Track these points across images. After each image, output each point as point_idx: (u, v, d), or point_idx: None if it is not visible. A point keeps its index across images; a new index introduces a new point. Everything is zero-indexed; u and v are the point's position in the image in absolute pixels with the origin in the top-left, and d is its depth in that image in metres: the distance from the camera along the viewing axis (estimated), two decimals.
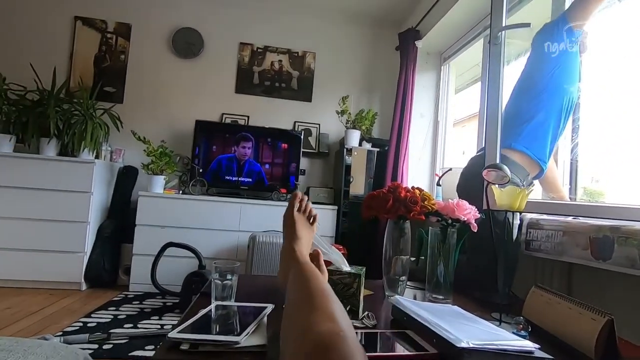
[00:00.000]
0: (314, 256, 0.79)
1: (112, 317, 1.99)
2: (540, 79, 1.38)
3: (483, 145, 1.53)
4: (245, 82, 3.12)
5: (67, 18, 2.91)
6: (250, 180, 2.81)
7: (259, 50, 3.14)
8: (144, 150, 2.59)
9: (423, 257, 1.16)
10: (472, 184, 1.46)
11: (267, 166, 2.86)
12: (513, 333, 0.74)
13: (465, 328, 0.70)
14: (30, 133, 2.39)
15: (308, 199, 0.85)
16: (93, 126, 2.51)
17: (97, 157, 2.59)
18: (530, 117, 1.34)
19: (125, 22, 2.97)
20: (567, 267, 1.13)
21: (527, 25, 1.38)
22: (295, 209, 0.75)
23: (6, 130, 2.43)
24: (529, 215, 1.21)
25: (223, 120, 3.04)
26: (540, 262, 1.22)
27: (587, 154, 1.51)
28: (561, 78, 1.35)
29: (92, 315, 1.99)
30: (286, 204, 2.64)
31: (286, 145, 2.89)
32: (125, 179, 2.79)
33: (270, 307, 0.76)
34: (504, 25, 1.38)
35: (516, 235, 1.18)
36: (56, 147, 2.49)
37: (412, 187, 1.08)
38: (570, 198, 1.43)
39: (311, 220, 0.79)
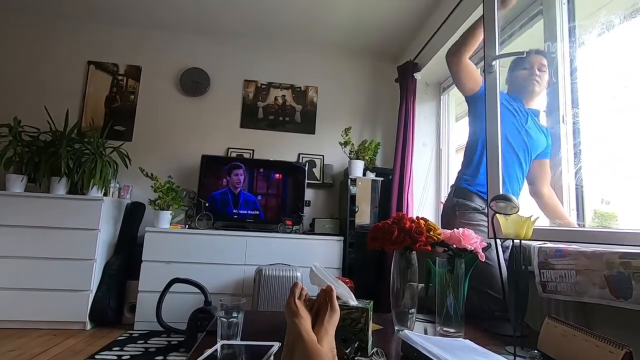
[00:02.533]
0: (327, 292, 0.78)
1: (116, 357, 1.94)
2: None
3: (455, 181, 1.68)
4: (250, 117, 3.21)
5: (82, 63, 3.07)
6: (251, 212, 2.83)
7: (263, 86, 3.26)
8: (152, 186, 2.63)
9: (432, 285, 1.14)
10: (445, 220, 1.57)
11: (260, 197, 2.88)
12: None
13: None
14: (41, 173, 2.45)
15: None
16: (102, 164, 2.57)
17: (105, 194, 2.63)
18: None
19: (136, 65, 3.12)
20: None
21: (522, 53, 1.43)
22: (296, 296, 0.77)
23: (19, 171, 2.50)
24: (535, 244, 1.19)
25: (229, 154, 3.10)
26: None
27: (594, 176, 1.50)
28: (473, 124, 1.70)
29: (96, 356, 1.95)
30: (292, 236, 2.61)
31: (291, 177, 2.92)
32: (133, 215, 2.82)
33: (276, 346, 0.74)
34: (497, 54, 1.42)
35: (524, 260, 1.16)
36: (66, 186, 2.54)
37: (417, 218, 1.08)
38: (578, 224, 1.41)
39: (310, 307, 0.81)
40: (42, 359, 1.89)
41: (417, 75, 2.79)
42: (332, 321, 0.74)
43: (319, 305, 0.77)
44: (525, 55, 1.50)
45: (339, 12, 2.75)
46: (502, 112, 1.45)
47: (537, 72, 1.55)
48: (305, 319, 0.72)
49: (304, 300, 0.78)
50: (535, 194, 1.57)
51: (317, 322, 0.72)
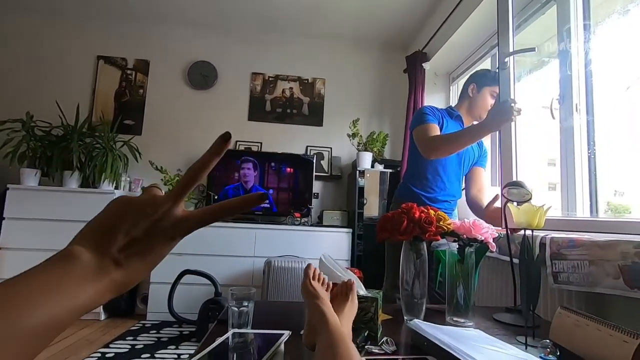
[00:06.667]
0: (349, 285, 0.79)
1: (129, 347, 1.99)
2: None
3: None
4: (258, 110, 3.21)
5: (91, 58, 3.09)
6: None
7: (270, 79, 3.25)
8: (161, 179, 2.66)
9: (442, 279, 1.13)
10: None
11: (272, 190, 2.89)
12: (540, 357, 0.71)
13: (489, 353, 0.68)
14: (54, 167, 2.50)
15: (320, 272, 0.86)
16: (113, 158, 2.60)
17: (116, 187, 2.67)
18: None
19: (144, 59, 3.14)
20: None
21: (532, 49, 1.40)
22: (311, 277, 0.77)
23: (32, 165, 2.55)
24: (542, 234, 1.17)
25: (237, 147, 3.11)
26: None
27: (608, 167, 1.46)
28: None
29: (111, 345, 2.00)
30: (300, 228, 2.61)
31: (299, 169, 2.93)
32: None
33: (287, 334, 0.75)
34: (511, 50, 1.39)
35: (538, 253, 1.15)
36: (78, 180, 2.59)
37: (426, 207, 1.07)
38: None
39: (325, 288, 0.81)
40: (57, 348, 1.94)
41: (426, 65, 2.75)
42: (351, 313, 0.75)
43: (338, 297, 0.78)
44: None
45: (346, 2, 2.71)
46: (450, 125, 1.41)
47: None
48: (326, 300, 0.72)
49: (320, 282, 0.78)
50: (470, 198, 1.47)
51: (336, 311, 0.73)
